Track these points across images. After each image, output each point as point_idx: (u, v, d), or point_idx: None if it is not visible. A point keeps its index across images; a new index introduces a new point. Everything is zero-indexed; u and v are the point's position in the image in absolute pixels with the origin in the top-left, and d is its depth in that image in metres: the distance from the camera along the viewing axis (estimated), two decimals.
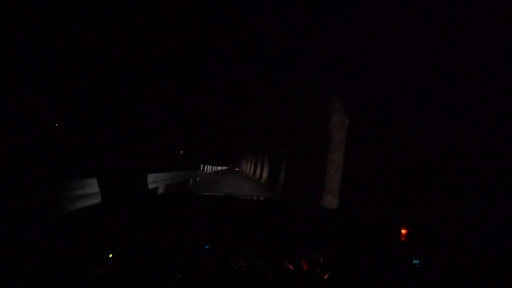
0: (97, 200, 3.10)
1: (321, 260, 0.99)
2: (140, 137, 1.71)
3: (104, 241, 1.02)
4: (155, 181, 6.39)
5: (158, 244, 1.04)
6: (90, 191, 3.10)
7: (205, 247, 1.02)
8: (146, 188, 1.73)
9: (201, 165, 26.38)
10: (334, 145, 4.83)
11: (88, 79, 1.62)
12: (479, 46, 2.38)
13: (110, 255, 0.98)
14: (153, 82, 2.34)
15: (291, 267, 0.98)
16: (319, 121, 5.82)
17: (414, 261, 1.04)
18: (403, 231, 1.25)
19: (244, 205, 1.69)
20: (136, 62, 1.97)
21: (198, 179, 14.00)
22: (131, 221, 1.17)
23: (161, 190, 6.76)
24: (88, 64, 1.66)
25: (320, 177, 5.43)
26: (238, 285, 0.97)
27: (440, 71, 2.85)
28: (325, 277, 0.96)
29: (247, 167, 29.28)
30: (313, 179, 6.53)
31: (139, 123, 1.74)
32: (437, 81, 2.93)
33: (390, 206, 3.66)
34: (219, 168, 45.63)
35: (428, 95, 3.14)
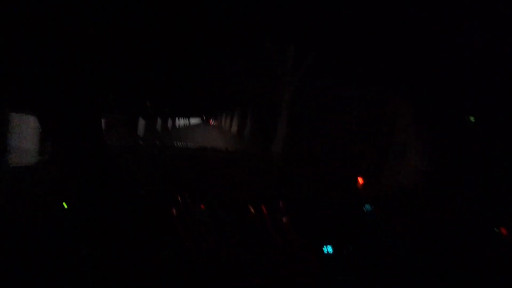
0: None
1: (280, 205, 1.02)
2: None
3: (84, 232, 0.97)
4: None
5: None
6: None
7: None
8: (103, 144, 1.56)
9: None
10: None
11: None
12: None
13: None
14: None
15: (252, 210, 1.00)
16: None
17: (366, 206, 1.12)
18: (360, 180, 1.34)
19: (208, 158, 1.66)
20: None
21: None
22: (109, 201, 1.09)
23: None
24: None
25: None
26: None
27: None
28: (284, 220, 1.00)
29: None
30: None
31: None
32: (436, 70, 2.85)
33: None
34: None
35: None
